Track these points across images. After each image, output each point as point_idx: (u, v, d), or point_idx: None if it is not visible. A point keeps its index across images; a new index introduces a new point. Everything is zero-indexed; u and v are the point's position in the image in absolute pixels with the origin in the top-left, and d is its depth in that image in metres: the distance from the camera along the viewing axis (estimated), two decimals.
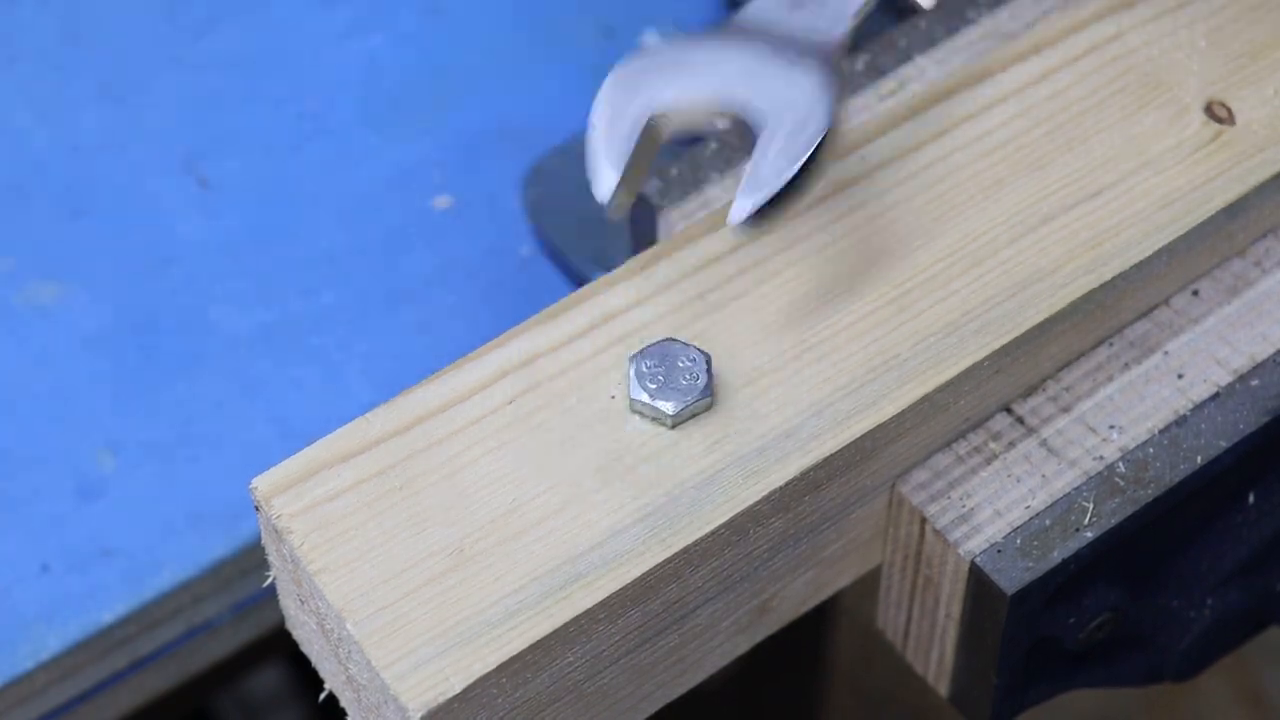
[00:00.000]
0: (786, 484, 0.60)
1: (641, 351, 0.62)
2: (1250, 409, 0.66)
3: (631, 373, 0.62)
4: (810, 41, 0.63)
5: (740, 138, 0.62)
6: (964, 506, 0.64)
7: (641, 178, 0.62)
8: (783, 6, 0.64)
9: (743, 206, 0.60)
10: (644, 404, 0.61)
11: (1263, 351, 0.67)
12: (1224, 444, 0.65)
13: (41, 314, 0.80)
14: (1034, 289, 0.64)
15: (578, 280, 0.80)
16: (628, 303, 0.64)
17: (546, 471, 0.60)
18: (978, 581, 0.63)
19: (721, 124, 0.62)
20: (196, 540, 0.75)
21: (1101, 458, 0.65)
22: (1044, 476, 0.64)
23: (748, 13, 0.64)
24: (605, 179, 0.60)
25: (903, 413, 0.62)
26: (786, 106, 0.61)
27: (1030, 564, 0.62)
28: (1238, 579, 0.69)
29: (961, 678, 0.67)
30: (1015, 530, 0.63)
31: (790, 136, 0.61)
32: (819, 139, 0.61)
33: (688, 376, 0.61)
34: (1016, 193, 0.66)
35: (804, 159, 0.60)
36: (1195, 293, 0.69)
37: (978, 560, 0.63)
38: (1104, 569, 0.64)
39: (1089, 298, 0.65)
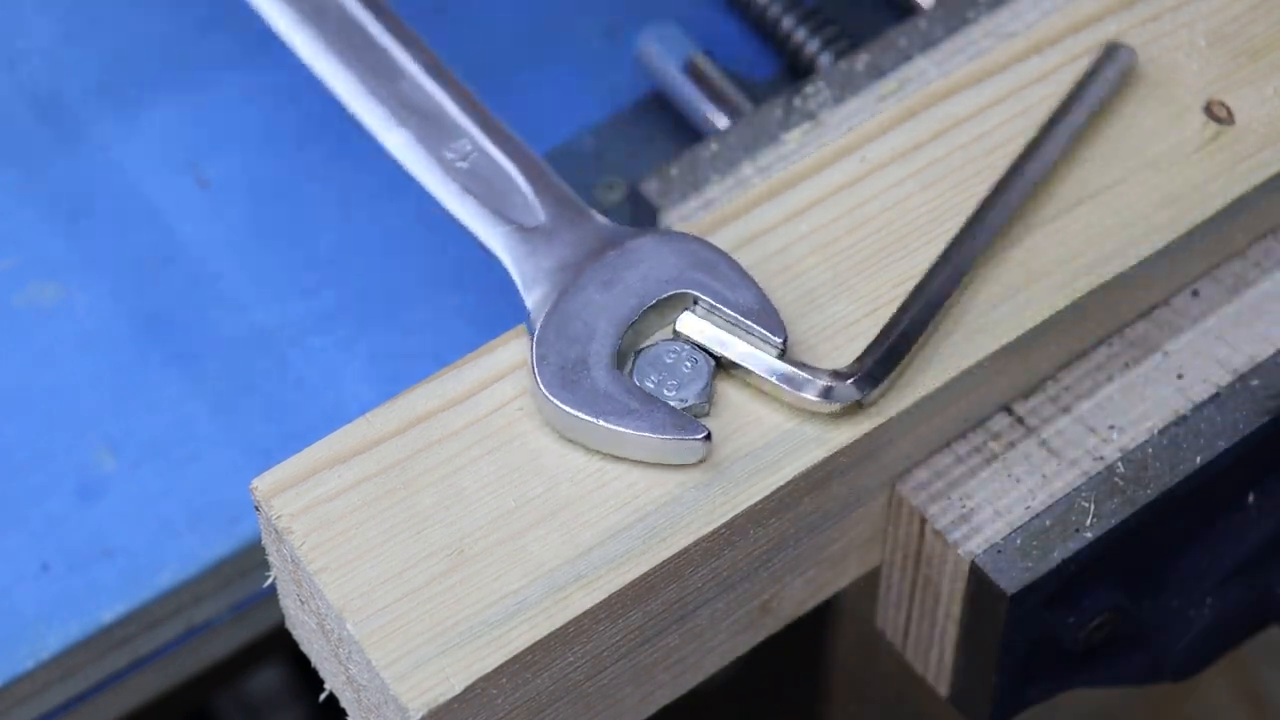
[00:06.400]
0: (786, 484, 0.60)
1: (641, 351, 0.62)
2: (1250, 409, 0.66)
3: (632, 373, 0.62)
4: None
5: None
6: (964, 507, 0.64)
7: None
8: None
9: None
10: None
11: (1262, 351, 0.67)
12: (1223, 444, 0.65)
13: (41, 314, 0.80)
14: (1034, 289, 0.64)
15: None
16: None
17: (546, 472, 0.60)
18: (978, 581, 0.63)
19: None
20: (196, 540, 0.75)
21: (1101, 458, 0.65)
22: (1044, 477, 0.64)
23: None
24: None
25: (903, 413, 0.62)
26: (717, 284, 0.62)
27: (1030, 564, 0.62)
28: (1237, 579, 0.69)
29: (961, 678, 0.66)
30: (1015, 530, 0.63)
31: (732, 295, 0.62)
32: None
33: (688, 377, 0.61)
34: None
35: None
36: (1195, 293, 0.68)
37: (978, 560, 0.62)
38: (1104, 569, 0.64)
39: (1089, 298, 0.65)
